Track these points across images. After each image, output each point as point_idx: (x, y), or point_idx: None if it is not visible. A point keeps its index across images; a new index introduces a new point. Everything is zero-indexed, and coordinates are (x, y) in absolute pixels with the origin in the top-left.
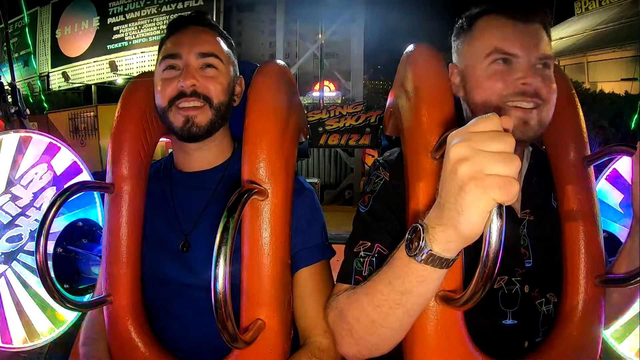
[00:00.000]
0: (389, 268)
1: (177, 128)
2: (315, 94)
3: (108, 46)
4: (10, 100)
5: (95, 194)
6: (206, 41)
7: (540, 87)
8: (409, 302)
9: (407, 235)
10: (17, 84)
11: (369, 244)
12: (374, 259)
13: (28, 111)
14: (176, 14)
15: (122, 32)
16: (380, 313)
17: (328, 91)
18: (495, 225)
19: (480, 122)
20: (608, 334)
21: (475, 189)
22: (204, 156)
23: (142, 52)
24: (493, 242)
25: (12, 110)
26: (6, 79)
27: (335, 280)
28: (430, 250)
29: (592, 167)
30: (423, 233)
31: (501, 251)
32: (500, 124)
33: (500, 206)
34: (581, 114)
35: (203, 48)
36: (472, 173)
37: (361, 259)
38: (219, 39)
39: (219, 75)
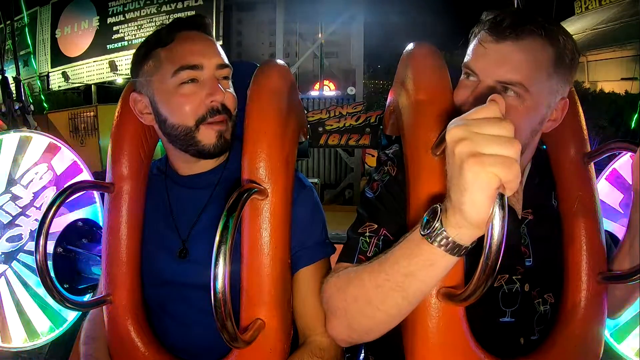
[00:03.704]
0: (398, 248)
1: (208, 146)
2: (315, 93)
3: (108, 46)
4: (14, 96)
5: (95, 194)
6: (219, 51)
7: None
8: (411, 286)
9: (425, 217)
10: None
11: (376, 226)
12: (380, 242)
13: (32, 107)
14: (176, 14)
15: (121, 32)
16: (379, 294)
17: (328, 91)
18: (498, 216)
19: (478, 110)
20: (608, 334)
21: (474, 165)
22: (206, 161)
23: None
24: (495, 234)
25: (17, 107)
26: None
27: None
28: (445, 231)
29: (592, 164)
30: (440, 213)
31: (504, 244)
32: (498, 111)
33: (502, 197)
34: (581, 112)
35: (220, 59)
36: (470, 151)
37: (367, 239)
38: (221, 47)
39: (230, 86)
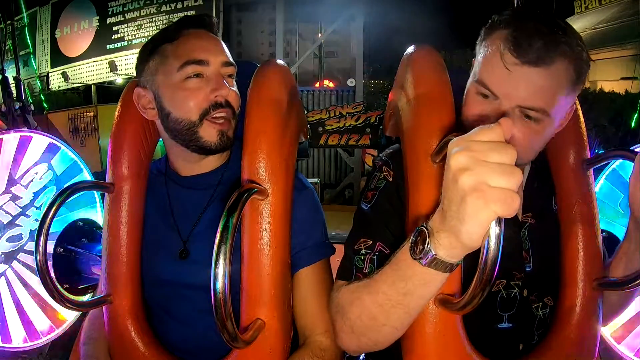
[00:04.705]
0: (392, 269)
1: (209, 143)
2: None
3: (108, 46)
4: (14, 96)
5: (95, 194)
6: (225, 49)
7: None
8: (411, 302)
9: (411, 238)
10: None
11: (371, 242)
12: (374, 257)
13: (32, 107)
14: (176, 14)
15: (121, 32)
16: (383, 312)
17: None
18: (494, 233)
19: (482, 132)
20: (608, 334)
21: (477, 200)
22: (207, 161)
23: None
24: (491, 250)
25: (17, 107)
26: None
27: (335, 277)
28: (435, 254)
29: (591, 170)
30: (428, 237)
31: (499, 258)
32: (502, 135)
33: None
34: (581, 116)
35: (226, 57)
36: (474, 184)
37: (362, 257)
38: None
39: (235, 84)
